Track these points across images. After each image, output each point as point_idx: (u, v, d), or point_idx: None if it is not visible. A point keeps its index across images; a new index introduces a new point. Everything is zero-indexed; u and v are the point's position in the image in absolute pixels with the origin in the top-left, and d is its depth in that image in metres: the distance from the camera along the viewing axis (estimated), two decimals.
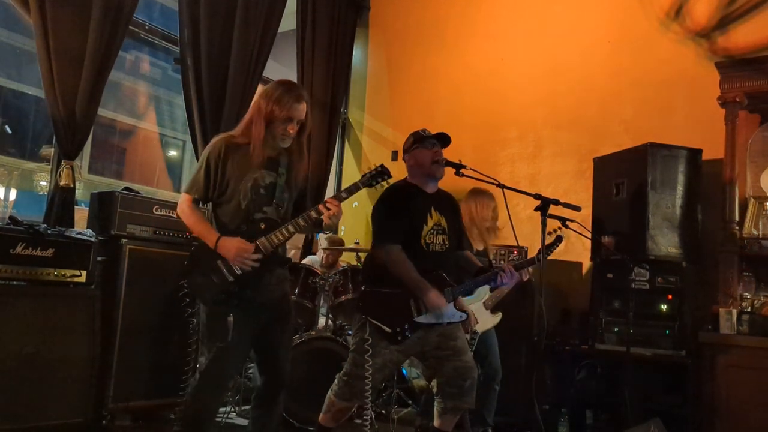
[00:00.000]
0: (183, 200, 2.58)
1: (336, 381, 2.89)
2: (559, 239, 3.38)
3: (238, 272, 2.48)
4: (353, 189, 2.66)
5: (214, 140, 2.62)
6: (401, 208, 2.85)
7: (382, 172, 2.68)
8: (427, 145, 2.89)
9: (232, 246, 2.46)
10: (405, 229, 2.81)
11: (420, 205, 2.89)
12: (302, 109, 2.58)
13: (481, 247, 3.79)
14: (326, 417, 2.93)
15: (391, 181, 2.76)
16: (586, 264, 4.29)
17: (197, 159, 4.31)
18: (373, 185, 2.69)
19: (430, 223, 2.87)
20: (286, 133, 2.57)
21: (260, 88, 2.65)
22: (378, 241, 2.84)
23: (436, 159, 2.86)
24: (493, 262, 4.06)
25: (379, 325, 2.73)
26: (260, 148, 2.53)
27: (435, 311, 2.73)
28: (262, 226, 2.53)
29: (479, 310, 3.65)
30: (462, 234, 3.12)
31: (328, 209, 2.51)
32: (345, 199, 2.60)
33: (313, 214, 2.54)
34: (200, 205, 2.63)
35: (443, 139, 2.91)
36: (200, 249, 2.55)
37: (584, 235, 4.05)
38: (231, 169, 2.54)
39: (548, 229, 3.56)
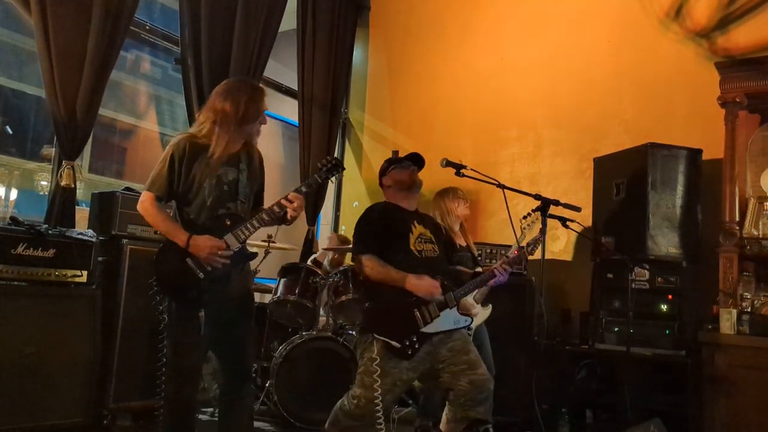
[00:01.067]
0: (145, 198, 2.55)
1: (345, 399, 2.84)
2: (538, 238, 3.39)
3: (208, 269, 2.49)
4: (312, 183, 2.69)
5: (176, 138, 2.61)
6: (378, 222, 2.91)
7: (336, 165, 2.69)
8: (404, 165, 3.01)
9: (204, 244, 2.46)
10: (390, 242, 2.85)
11: (401, 218, 2.96)
12: (266, 104, 2.64)
13: (463, 243, 3.83)
14: (333, 430, 2.88)
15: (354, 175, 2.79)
16: (587, 264, 4.29)
17: None
18: (329, 178, 2.71)
19: (416, 233, 2.93)
20: (259, 129, 2.63)
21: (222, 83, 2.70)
22: (354, 254, 2.91)
23: (413, 178, 2.99)
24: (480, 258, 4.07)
25: (387, 340, 2.70)
26: (225, 147, 2.54)
27: (425, 294, 2.74)
28: (228, 222, 2.54)
29: (472, 305, 3.63)
30: (451, 247, 3.17)
31: (291, 202, 2.54)
32: (305, 192, 2.63)
33: (276, 209, 2.57)
34: (163, 203, 2.59)
35: (417, 160, 3.04)
36: (168, 247, 2.54)
37: (584, 235, 4.07)
38: (195, 167, 2.54)
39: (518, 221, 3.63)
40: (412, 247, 2.86)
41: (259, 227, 2.57)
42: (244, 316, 2.67)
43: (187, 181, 2.54)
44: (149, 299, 3.47)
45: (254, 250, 3.69)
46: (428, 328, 2.75)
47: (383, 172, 3.08)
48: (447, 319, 2.80)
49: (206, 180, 2.54)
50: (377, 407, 2.67)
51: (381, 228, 2.88)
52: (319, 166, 2.69)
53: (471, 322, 2.95)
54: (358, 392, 2.77)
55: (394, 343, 2.69)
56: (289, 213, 2.56)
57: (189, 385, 2.54)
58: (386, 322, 2.76)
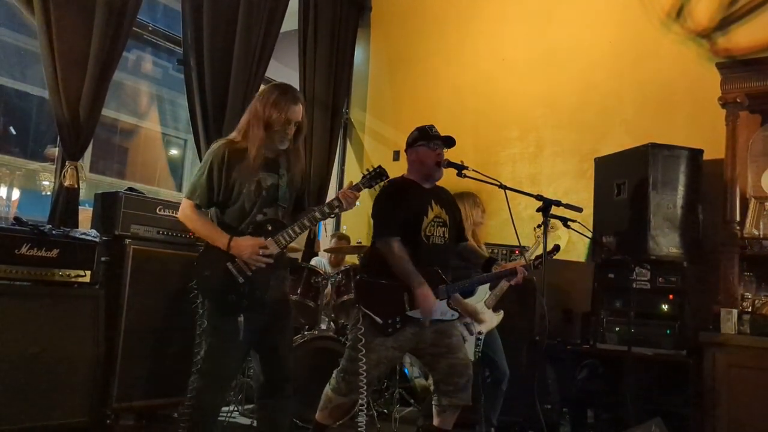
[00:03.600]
0: (185, 206, 2.59)
1: (333, 376, 2.91)
2: (556, 248, 3.40)
3: (249, 273, 2.51)
4: (356, 189, 2.67)
5: (215, 146, 2.63)
6: (399, 201, 2.87)
7: (380, 173, 2.69)
8: (431, 146, 2.91)
9: (246, 245, 2.48)
10: (404, 222, 2.82)
11: (420, 198, 2.91)
12: (299, 110, 2.61)
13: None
14: (323, 414, 2.93)
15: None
16: (588, 264, 4.30)
17: (200, 158, 4.32)
18: (372, 186, 2.71)
19: (431, 215, 2.89)
20: (284, 136, 2.60)
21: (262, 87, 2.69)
22: (377, 234, 2.86)
23: (438, 161, 2.89)
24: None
25: (370, 314, 2.74)
26: (259, 151, 2.55)
27: (423, 311, 2.73)
28: (269, 228, 2.56)
29: (481, 310, 3.63)
30: (461, 227, 3.14)
31: (336, 206, 2.58)
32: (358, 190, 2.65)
33: (318, 215, 2.59)
34: (202, 210, 2.62)
35: (448, 142, 2.93)
36: (208, 251, 2.56)
37: (585, 235, 4.07)
38: (235, 173, 2.55)
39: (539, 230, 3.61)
40: (422, 232, 2.83)
41: (300, 233, 2.58)
42: (281, 319, 2.67)
43: (227, 187, 2.56)
44: (152, 299, 3.50)
45: None
46: (414, 313, 2.76)
47: (410, 143, 2.98)
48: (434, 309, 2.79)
49: (245, 186, 2.55)
50: (361, 381, 2.71)
51: (401, 209, 2.84)
52: (363, 173, 2.71)
53: (457, 317, 2.94)
54: (345, 366, 2.82)
55: (377, 318, 2.73)
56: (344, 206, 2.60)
57: (221, 390, 2.58)
58: (375, 297, 2.78)
